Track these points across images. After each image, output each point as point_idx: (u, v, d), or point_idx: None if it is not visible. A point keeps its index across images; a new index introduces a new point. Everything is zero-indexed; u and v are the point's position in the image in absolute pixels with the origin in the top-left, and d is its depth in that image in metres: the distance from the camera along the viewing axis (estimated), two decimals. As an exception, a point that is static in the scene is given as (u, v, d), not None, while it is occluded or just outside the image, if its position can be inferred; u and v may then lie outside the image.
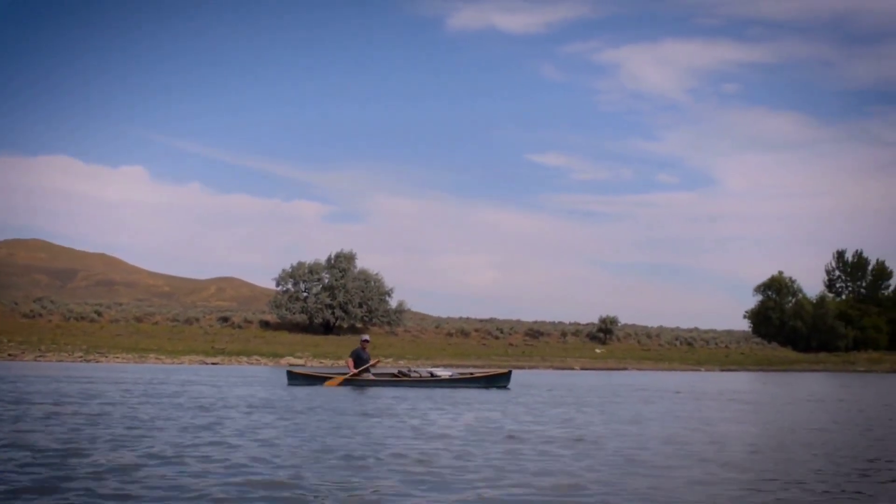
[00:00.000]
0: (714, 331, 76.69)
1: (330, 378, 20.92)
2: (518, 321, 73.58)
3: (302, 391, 18.06)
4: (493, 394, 18.78)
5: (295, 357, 44.91)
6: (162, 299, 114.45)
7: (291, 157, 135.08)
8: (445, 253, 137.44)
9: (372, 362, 21.15)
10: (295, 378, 21.06)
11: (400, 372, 22.51)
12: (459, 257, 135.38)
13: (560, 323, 73.94)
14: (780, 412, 15.87)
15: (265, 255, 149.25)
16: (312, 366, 42.61)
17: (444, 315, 77.30)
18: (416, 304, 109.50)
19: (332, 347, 51.63)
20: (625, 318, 74.68)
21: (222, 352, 45.44)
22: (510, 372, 22.69)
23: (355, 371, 20.60)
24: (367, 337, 22.67)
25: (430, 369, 22.97)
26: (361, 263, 62.77)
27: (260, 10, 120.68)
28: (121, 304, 70.60)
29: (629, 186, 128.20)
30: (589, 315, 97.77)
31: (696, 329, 76.94)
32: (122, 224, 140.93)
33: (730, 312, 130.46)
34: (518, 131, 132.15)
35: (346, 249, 62.26)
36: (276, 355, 45.39)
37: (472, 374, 23.10)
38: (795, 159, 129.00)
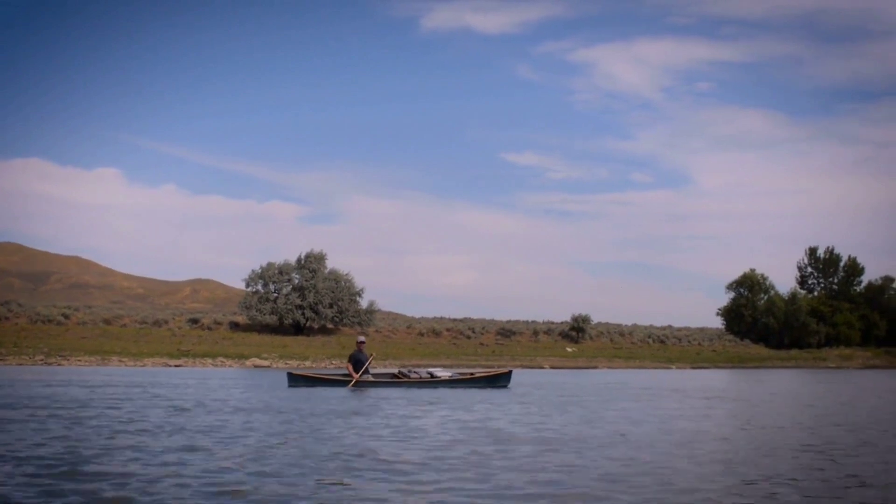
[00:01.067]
0: (688, 328, 76.85)
1: (332, 381, 20.93)
2: (493, 321, 73.41)
3: (301, 393, 17.89)
4: (491, 393, 18.52)
5: (260, 358, 44.55)
6: (136, 301, 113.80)
7: (267, 159, 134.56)
8: (422, 253, 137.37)
9: (368, 361, 21.05)
10: (296, 380, 20.81)
11: (400, 372, 22.28)
12: (436, 257, 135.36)
13: (534, 322, 73.87)
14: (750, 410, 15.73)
15: (241, 256, 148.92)
16: (278, 367, 42.35)
17: (421, 315, 77.32)
18: (392, 305, 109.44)
19: (301, 348, 51.32)
20: (601, 317, 74.93)
21: (188, 354, 44.97)
22: (510, 372, 22.59)
23: (357, 376, 20.43)
24: (362, 338, 22.35)
25: (429, 370, 22.60)
26: (338, 264, 62.80)
27: (234, 12, 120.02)
28: (90, 307, 69.86)
29: (604, 185, 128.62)
30: (565, 314, 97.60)
31: (670, 327, 77.08)
32: (97, 226, 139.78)
33: (704, 310, 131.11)
34: (493, 131, 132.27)
35: (317, 250, 62.00)
36: (241, 357, 45.01)
37: (472, 374, 22.90)
38: (769, 157, 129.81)
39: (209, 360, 43.28)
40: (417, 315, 78.30)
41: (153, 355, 44.01)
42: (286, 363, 44.11)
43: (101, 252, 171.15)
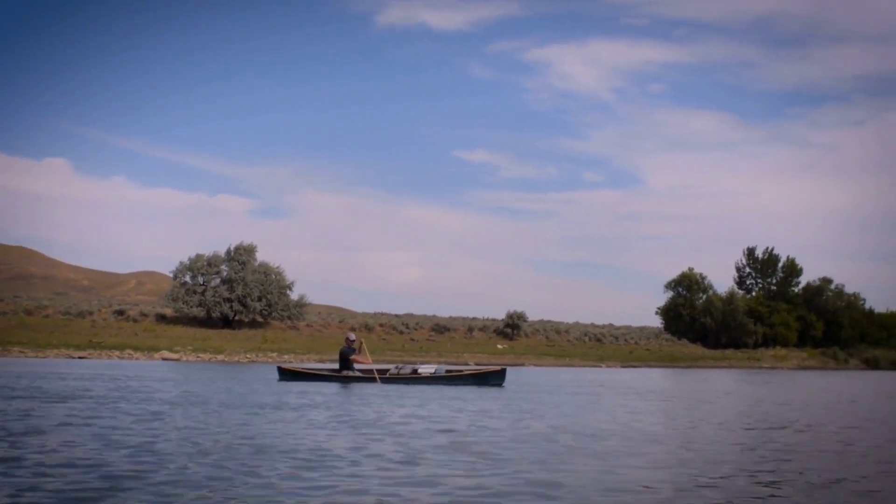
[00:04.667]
0: (628, 327, 76.67)
1: (320, 376, 21.30)
2: (434, 317, 72.80)
3: (293, 387, 17.73)
4: (467, 391, 17.92)
5: (171, 351, 43.47)
6: (81, 293, 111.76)
7: (217, 152, 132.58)
8: (371, 249, 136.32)
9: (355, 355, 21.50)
10: (285, 374, 21.28)
11: (387, 370, 21.80)
12: (385, 254, 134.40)
13: (474, 319, 73.29)
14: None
15: (189, 249, 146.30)
16: (188, 360, 41.40)
17: (363, 311, 76.56)
18: (340, 301, 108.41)
19: (222, 342, 50.30)
20: (548, 315, 74.52)
21: (96, 346, 43.82)
22: (504, 370, 21.46)
23: (365, 359, 21.29)
24: (352, 336, 22.31)
25: (412, 366, 22.03)
26: (287, 259, 62.08)
27: (186, 5, 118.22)
28: (17, 297, 68.33)
29: (556, 184, 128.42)
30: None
31: (610, 325, 76.84)
32: (44, 217, 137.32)
33: (650, 309, 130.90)
34: (446, 128, 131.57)
35: (264, 243, 61.18)
36: (152, 349, 43.89)
37: (460, 371, 22.25)
38: (719, 159, 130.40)
39: (116, 353, 42.17)
40: (364, 310, 77.75)
41: (60, 347, 42.84)
42: (198, 356, 43.16)
43: (46, 243, 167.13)
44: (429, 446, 8.03)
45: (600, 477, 6.51)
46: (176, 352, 43.55)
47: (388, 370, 21.43)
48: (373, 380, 20.35)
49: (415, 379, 20.52)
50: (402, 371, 21.10)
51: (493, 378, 20.72)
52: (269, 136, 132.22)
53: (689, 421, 11.96)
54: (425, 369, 21.19)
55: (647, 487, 6.12)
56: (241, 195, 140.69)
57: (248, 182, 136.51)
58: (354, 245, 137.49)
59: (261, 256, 60.91)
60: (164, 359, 41.30)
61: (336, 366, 22.61)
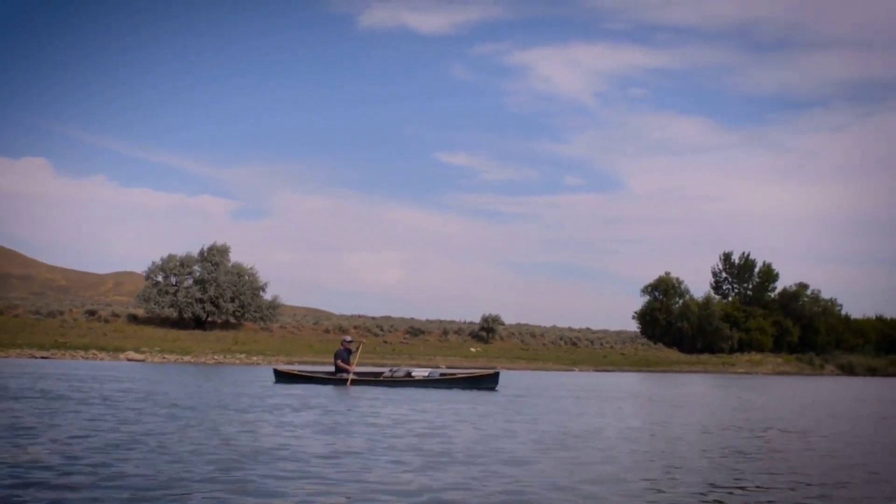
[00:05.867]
0: (605, 331, 76.63)
1: (315, 378, 21.28)
2: (412, 319, 72.55)
3: (286, 390, 17.79)
4: (460, 395, 17.89)
5: (137, 352, 43.06)
6: (58, 293, 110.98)
7: (198, 152, 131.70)
8: (352, 250, 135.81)
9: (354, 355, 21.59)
10: (281, 377, 21.31)
11: (383, 373, 21.83)
12: (366, 255, 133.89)
13: (452, 322, 73.06)
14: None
15: (168, 250, 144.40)
16: (153, 361, 41.02)
17: (341, 313, 76.10)
18: (320, 302, 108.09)
19: (192, 343, 49.91)
20: (526, 318, 74.31)
21: (63, 346, 43.37)
22: (497, 373, 21.53)
23: (349, 366, 20.91)
24: (348, 338, 22.38)
25: (406, 369, 22.12)
26: (268, 259, 61.74)
27: (167, 5, 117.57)
28: (-12, 297, 67.67)
29: (536, 187, 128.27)
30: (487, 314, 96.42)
31: (588, 329, 76.78)
32: (22, 217, 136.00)
33: (628, 313, 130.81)
34: (427, 131, 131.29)
35: (244, 245, 60.86)
36: (119, 350, 43.48)
37: (453, 374, 22.28)
38: (700, 163, 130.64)
39: (81, 353, 41.72)
40: (343, 312, 77.26)
41: (24, 346, 42.36)
42: (164, 357, 42.76)
43: (25, 243, 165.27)
44: (420, 450, 8.08)
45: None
46: (142, 352, 43.13)
47: (381, 373, 21.62)
48: (370, 383, 20.46)
49: (408, 382, 20.60)
50: (395, 374, 21.23)
51: (485, 382, 20.84)
52: (250, 136, 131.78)
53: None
54: (419, 372, 21.35)
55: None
56: (222, 196, 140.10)
57: (228, 183, 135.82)
58: (335, 246, 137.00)
59: (241, 257, 60.98)
60: (129, 359, 40.90)
61: (332, 368, 22.66)
